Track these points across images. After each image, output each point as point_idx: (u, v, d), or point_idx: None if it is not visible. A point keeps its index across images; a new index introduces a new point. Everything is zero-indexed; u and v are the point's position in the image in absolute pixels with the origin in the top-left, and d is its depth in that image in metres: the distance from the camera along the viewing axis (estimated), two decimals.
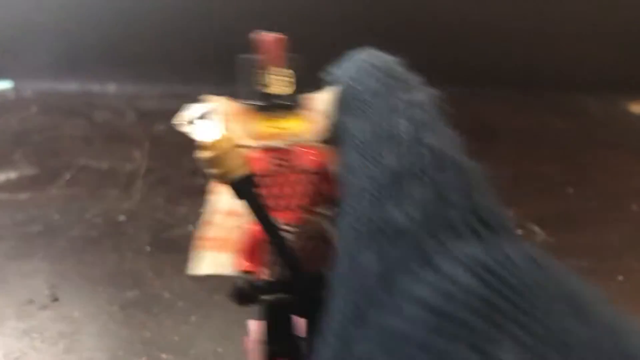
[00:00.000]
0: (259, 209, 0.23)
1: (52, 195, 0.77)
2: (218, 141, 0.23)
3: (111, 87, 1.35)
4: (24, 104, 1.22)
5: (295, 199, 0.26)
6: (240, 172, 0.23)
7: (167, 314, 0.50)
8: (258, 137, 0.26)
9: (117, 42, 1.43)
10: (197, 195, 0.76)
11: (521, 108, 1.21)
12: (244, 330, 0.48)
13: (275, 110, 0.26)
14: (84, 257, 0.61)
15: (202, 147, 0.23)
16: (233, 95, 0.27)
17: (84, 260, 0.60)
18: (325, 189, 0.26)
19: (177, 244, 0.63)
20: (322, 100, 0.26)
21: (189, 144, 0.79)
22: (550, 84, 1.26)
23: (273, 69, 0.26)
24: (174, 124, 0.23)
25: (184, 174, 0.84)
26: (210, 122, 0.22)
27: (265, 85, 0.25)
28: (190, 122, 0.22)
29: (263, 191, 0.25)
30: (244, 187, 0.23)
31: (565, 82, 1.27)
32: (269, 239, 0.24)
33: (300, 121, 0.27)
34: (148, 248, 0.62)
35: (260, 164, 0.25)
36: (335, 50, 0.27)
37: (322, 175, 0.26)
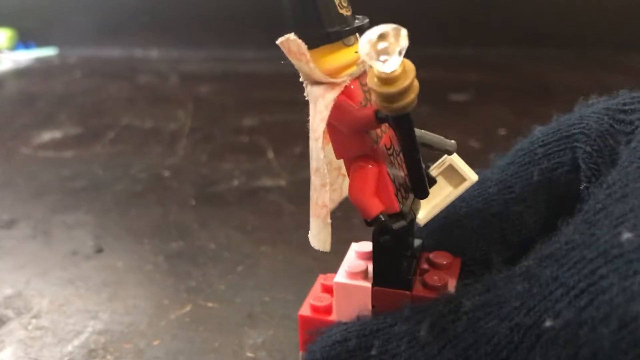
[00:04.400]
0: (413, 138, 0.22)
1: (97, 153, 0.76)
2: (404, 72, 0.20)
3: (154, 52, 1.34)
4: (69, 69, 1.22)
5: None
6: (414, 101, 0.21)
7: (212, 264, 0.49)
8: (346, 65, 0.23)
9: (159, 8, 1.42)
10: (241, 152, 0.75)
11: (575, 67, 1.16)
12: (291, 280, 0.46)
13: (351, 34, 0.22)
14: (128, 210, 0.60)
15: (386, 79, 0.20)
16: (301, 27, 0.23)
17: (128, 213, 0.59)
18: None
19: (222, 198, 0.62)
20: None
21: (231, 104, 0.78)
22: (602, 44, 1.21)
23: None
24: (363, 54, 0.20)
25: (227, 132, 0.82)
26: (390, 49, 0.19)
27: (339, 8, 0.22)
28: (371, 53, 0.20)
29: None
30: (408, 117, 0.21)
31: (617, 42, 1.22)
32: (412, 169, 0.24)
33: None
34: (193, 202, 0.61)
35: (358, 93, 0.23)
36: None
37: None
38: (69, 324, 0.41)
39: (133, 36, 1.41)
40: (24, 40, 1.42)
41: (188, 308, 0.43)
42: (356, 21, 0.22)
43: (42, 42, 1.42)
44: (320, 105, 0.21)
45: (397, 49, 0.19)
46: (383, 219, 0.23)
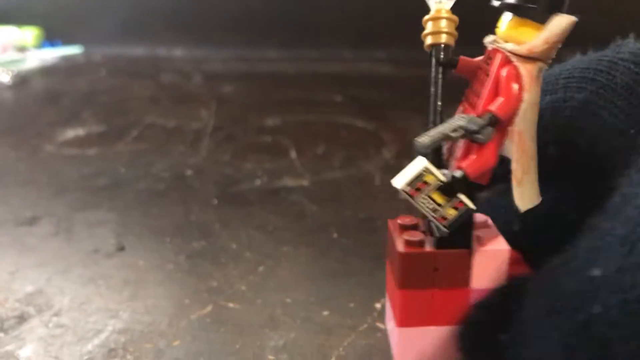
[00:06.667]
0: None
1: (119, 151, 0.76)
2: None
3: (177, 51, 1.35)
4: (93, 68, 1.23)
5: (478, 99, 0.24)
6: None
7: (234, 264, 0.48)
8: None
9: (182, 8, 1.43)
10: (263, 152, 0.74)
11: None
12: (313, 282, 0.46)
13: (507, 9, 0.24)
14: (150, 209, 0.59)
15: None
16: None
17: (150, 212, 0.59)
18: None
19: (244, 198, 0.61)
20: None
21: (254, 104, 0.77)
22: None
23: None
24: None
25: (250, 132, 0.82)
26: None
27: None
28: None
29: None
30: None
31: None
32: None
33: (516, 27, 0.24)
34: (215, 201, 0.60)
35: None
36: None
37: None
38: (90, 323, 0.41)
39: (157, 35, 1.41)
40: (50, 38, 1.43)
41: (209, 308, 0.42)
42: None
43: (68, 40, 1.43)
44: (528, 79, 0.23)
45: None
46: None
